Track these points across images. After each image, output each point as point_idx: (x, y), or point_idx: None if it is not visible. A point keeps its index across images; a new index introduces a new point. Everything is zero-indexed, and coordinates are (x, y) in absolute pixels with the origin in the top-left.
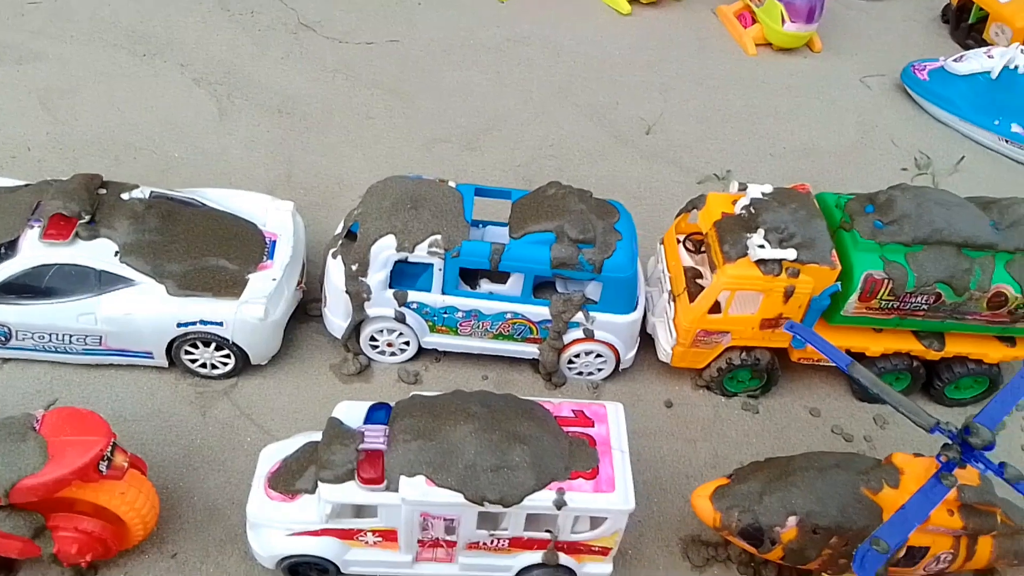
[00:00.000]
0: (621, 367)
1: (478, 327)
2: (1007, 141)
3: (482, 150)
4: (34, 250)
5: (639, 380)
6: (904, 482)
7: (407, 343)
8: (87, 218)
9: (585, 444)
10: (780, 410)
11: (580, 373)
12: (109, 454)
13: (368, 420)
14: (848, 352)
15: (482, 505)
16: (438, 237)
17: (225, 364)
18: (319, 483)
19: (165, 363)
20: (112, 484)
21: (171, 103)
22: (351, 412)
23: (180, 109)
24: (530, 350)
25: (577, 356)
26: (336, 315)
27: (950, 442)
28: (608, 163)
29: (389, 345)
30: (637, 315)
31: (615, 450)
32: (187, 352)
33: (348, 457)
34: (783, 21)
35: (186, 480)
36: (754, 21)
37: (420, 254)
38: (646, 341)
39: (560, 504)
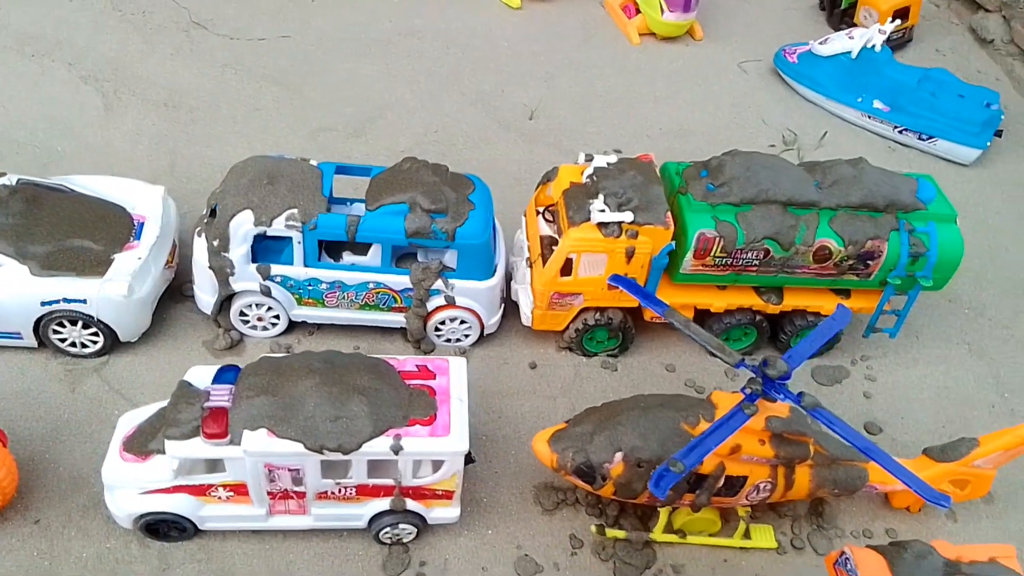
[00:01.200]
0: (486, 332)
1: (343, 298)
2: (869, 116)
3: (367, 137)
4: None
5: (506, 344)
6: (718, 416)
7: (277, 317)
8: None
9: (425, 395)
10: (637, 367)
11: (448, 340)
12: None
13: (217, 381)
14: (695, 309)
15: (322, 453)
16: (295, 211)
17: (94, 342)
18: (165, 440)
19: (34, 343)
20: None
21: (57, 100)
22: (202, 375)
23: (66, 106)
24: (397, 319)
25: (443, 323)
26: (204, 292)
27: (753, 375)
28: (491, 147)
29: (260, 320)
30: (495, 281)
31: (454, 399)
32: (55, 331)
33: (194, 415)
34: (662, 11)
35: (52, 452)
36: (638, 12)
37: (278, 227)
38: (513, 308)
39: (397, 449)
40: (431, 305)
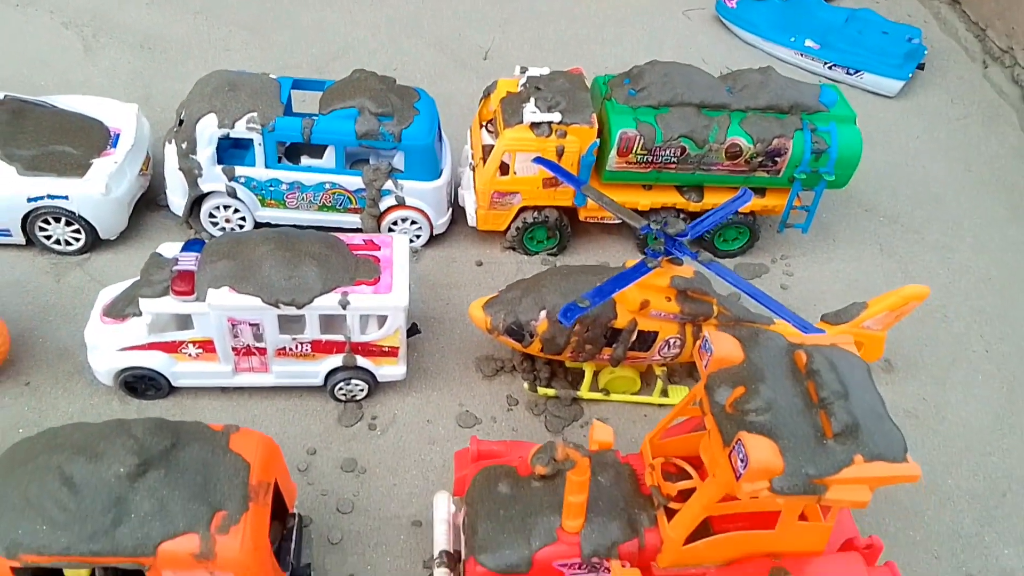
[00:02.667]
0: (436, 232)
1: (303, 199)
2: (802, 55)
3: (329, 74)
4: None
5: (454, 246)
6: None
7: (243, 219)
8: None
9: (370, 262)
10: (574, 263)
11: None
12: None
13: (184, 251)
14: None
15: (278, 308)
16: (255, 114)
17: (77, 240)
18: (139, 299)
19: (23, 240)
20: None
21: (40, 44)
22: (171, 249)
23: (48, 49)
24: (353, 220)
25: (395, 224)
26: (175, 195)
27: (656, 236)
28: (448, 83)
29: (227, 221)
30: (442, 182)
31: (396, 265)
32: (41, 228)
33: (164, 276)
34: None
35: (40, 330)
36: None
37: (240, 130)
38: (461, 214)
39: (344, 304)
40: (383, 205)
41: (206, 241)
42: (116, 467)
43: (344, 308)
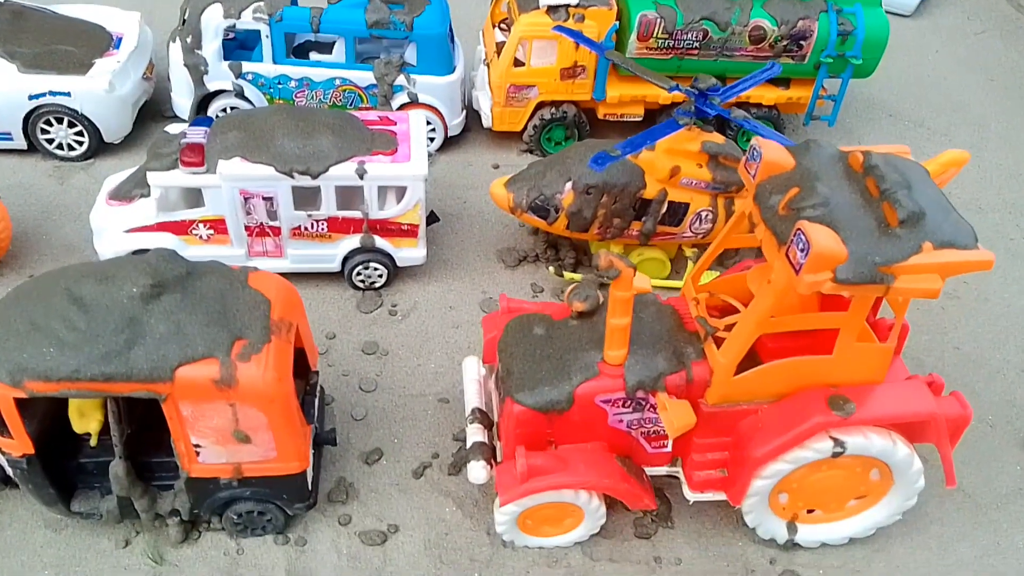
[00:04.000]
0: (450, 134)
1: (312, 97)
2: None
3: None
4: None
5: (469, 150)
6: (659, 144)
7: None
8: None
9: (387, 135)
10: None
11: None
12: None
13: (193, 126)
14: (644, 100)
15: (292, 177)
16: (261, 3)
17: (80, 143)
18: (147, 173)
19: (24, 144)
20: None
21: None
22: (179, 129)
23: None
24: None
25: None
26: (181, 95)
27: (686, 95)
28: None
29: None
30: (456, 77)
31: (413, 138)
32: (43, 131)
33: (172, 149)
34: None
35: (44, 227)
36: None
37: (246, 20)
38: (475, 118)
39: (361, 173)
40: (395, 103)
41: (214, 118)
42: (129, 287)
43: (361, 178)
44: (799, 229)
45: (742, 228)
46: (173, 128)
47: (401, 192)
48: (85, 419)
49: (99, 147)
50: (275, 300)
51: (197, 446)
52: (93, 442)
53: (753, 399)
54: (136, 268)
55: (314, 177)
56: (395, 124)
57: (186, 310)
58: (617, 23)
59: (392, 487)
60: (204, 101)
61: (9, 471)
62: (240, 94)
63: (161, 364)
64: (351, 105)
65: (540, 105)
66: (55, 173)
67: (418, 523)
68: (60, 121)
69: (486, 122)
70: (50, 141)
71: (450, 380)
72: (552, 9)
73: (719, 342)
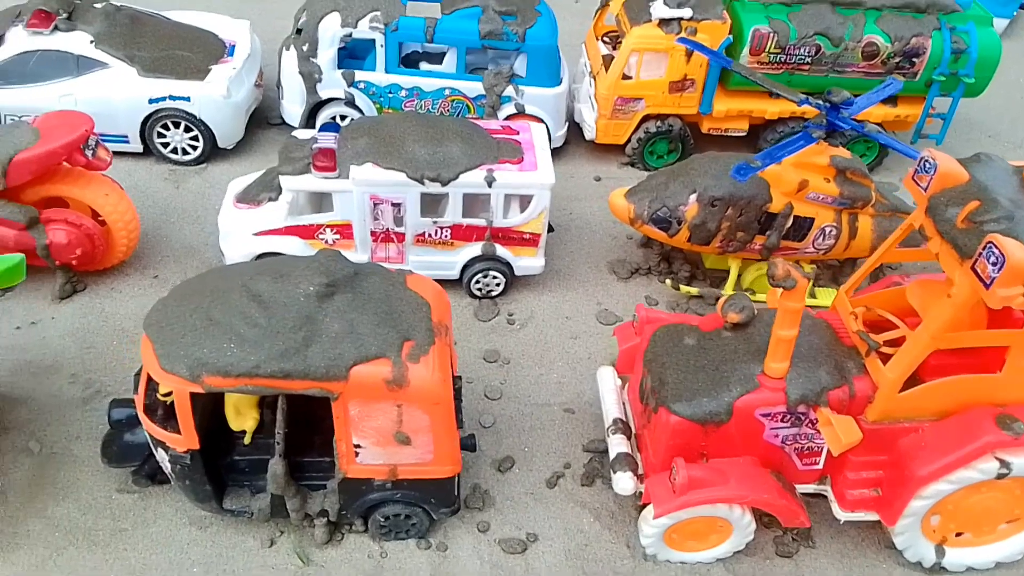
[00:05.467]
0: (553, 145)
1: (420, 107)
2: None
3: None
4: (18, 39)
5: (570, 162)
6: (786, 157)
7: None
8: (65, 15)
9: (512, 144)
10: None
11: None
12: (94, 145)
13: (321, 131)
14: (750, 115)
15: (422, 183)
16: (378, 12)
17: (194, 147)
18: (280, 176)
19: (140, 147)
20: (100, 184)
21: None
22: (306, 135)
23: None
24: None
25: None
26: (292, 103)
27: (817, 109)
28: None
29: None
30: (562, 89)
31: (537, 147)
32: (159, 135)
33: (304, 154)
34: None
35: (163, 229)
36: None
37: (363, 29)
38: (576, 131)
39: (490, 181)
40: (502, 114)
41: (341, 125)
42: (305, 286)
43: (490, 185)
44: (990, 242)
45: (898, 242)
46: (302, 134)
47: (523, 201)
48: (241, 417)
49: (212, 151)
50: (432, 302)
51: (358, 446)
52: (247, 440)
53: (915, 417)
54: (309, 267)
55: (444, 184)
56: (518, 133)
57: (357, 310)
58: (730, 37)
59: (527, 496)
60: (313, 109)
61: (167, 467)
62: (351, 102)
63: (337, 362)
64: (458, 115)
65: (645, 118)
66: (171, 176)
67: (556, 533)
68: (176, 125)
69: (588, 134)
70: (165, 145)
71: (573, 391)
72: (664, 22)
73: (883, 357)
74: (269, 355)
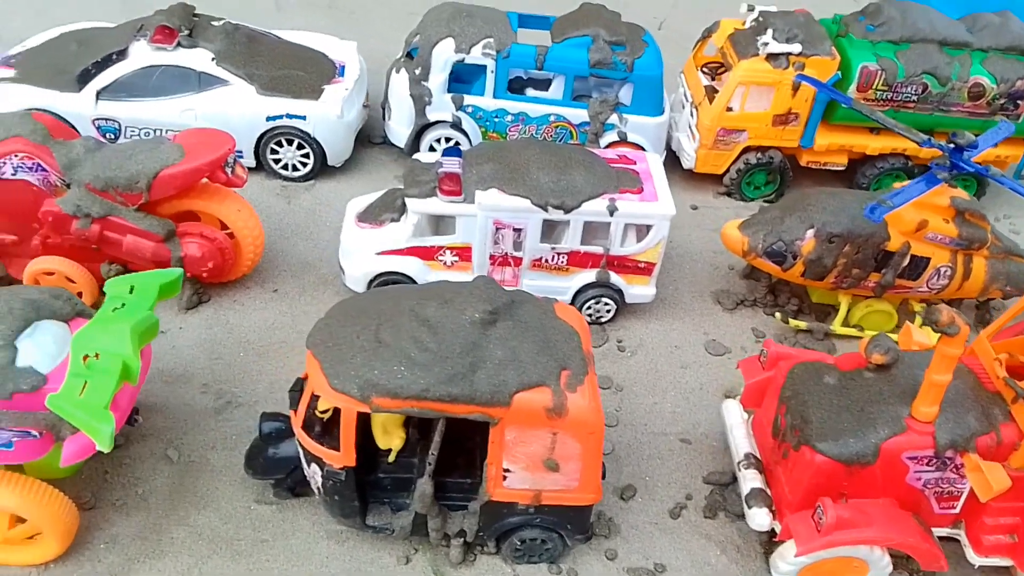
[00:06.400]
0: None
1: (524, 132)
2: None
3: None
4: (143, 54)
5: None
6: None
7: None
8: (186, 32)
9: (630, 172)
10: None
11: None
12: (232, 163)
13: (445, 155)
14: (850, 151)
15: (546, 211)
16: (491, 40)
17: (305, 164)
18: (407, 199)
19: (253, 162)
20: (232, 199)
21: (229, 2)
22: (427, 159)
23: (240, 5)
24: None
25: None
26: (400, 124)
27: (940, 150)
28: None
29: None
30: (664, 119)
31: (655, 177)
32: (272, 151)
33: (430, 178)
34: None
35: (279, 244)
36: None
37: (475, 55)
38: (672, 160)
39: (612, 210)
40: (604, 141)
41: (463, 150)
42: (470, 312)
43: (612, 214)
44: None
45: None
46: (425, 157)
47: (639, 230)
48: (388, 436)
49: (321, 169)
50: (580, 332)
51: (507, 471)
52: (391, 458)
53: None
54: (472, 294)
55: (567, 211)
56: (635, 163)
57: (517, 337)
58: (838, 73)
59: (651, 525)
60: (420, 129)
61: (317, 481)
62: (456, 125)
63: (501, 389)
64: (560, 141)
65: (746, 149)
66: (282, 192)
67: (684, 565)
68: (290, 143)
69: (687, 163)
70: (276, 161)
71: (688, 421)
72: (773, 57)
73: None
74: (438, 379)
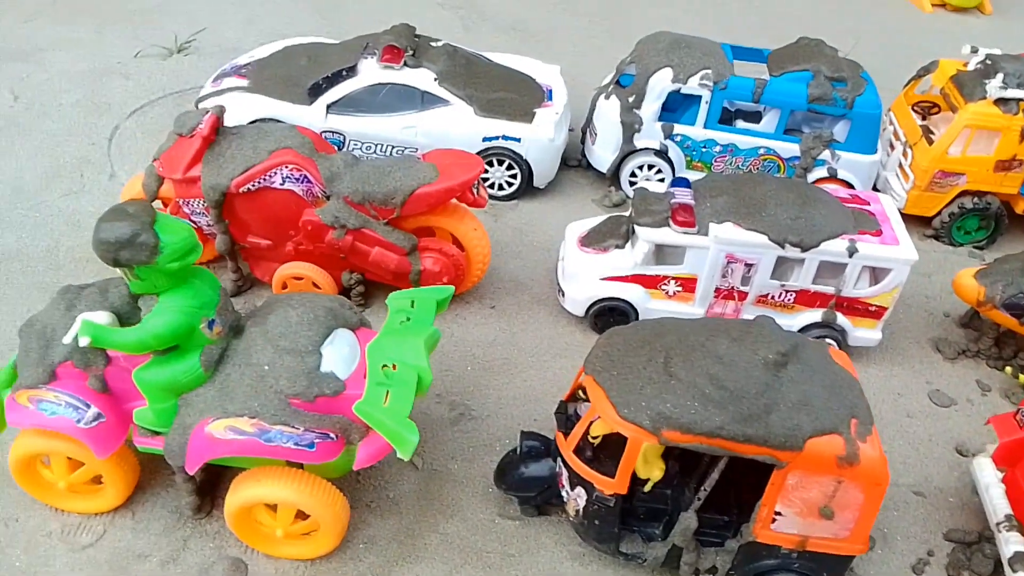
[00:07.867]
0: None
1: (731, 163)
2: None
3: None
4: (372, 72)
5: None
6: None
7: (662, 180)
8: (411, 52)
9: (866, 214)
10: None
11: None
12: (477, 183)
13: (674, 186)
14: None
15: (783, 247)
16: (709, 71)
17: (510, 184)
18: (637, 228)
19: None
20: (469, 218)
21: (423, 23)
22: (654, 188)
23: (431, 26)
24: None
25: None
26: (605, 149)
27: None
28: None
29: (646, 182)
30: (877, 157)
31: (892, 220)
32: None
33: (663, 207)
34: None
35: (492, 261)
36: None
37: (692, 86)
38: None
39: (852, 251)
40: (811, 177)
41: (690, 180)
42: (763, 352)
43: (851, 256)
44: None
45: None
46: (652, 186)
47: (873, 272)
48: (648, 466)
49: (525, 189)
50: (857, 378)
51: (778, 513)
52: (647, 488)
53: None
54: (761, 334)
55: (804, 250)
56: (868, 204)
57: (807, 381)
58: None
59: None
60: (622, 157)
61: (580, 504)
62: (662, 153)
63: (795, 433)
64: (767, 173)
65: (961, 193)
66: (490, 210)
67: None
68: (501, 163)
69: (896, 204)
70: (484, 180)
71: (920, 474)
72: (1002, 101)
73: None
74: (733, 418)
